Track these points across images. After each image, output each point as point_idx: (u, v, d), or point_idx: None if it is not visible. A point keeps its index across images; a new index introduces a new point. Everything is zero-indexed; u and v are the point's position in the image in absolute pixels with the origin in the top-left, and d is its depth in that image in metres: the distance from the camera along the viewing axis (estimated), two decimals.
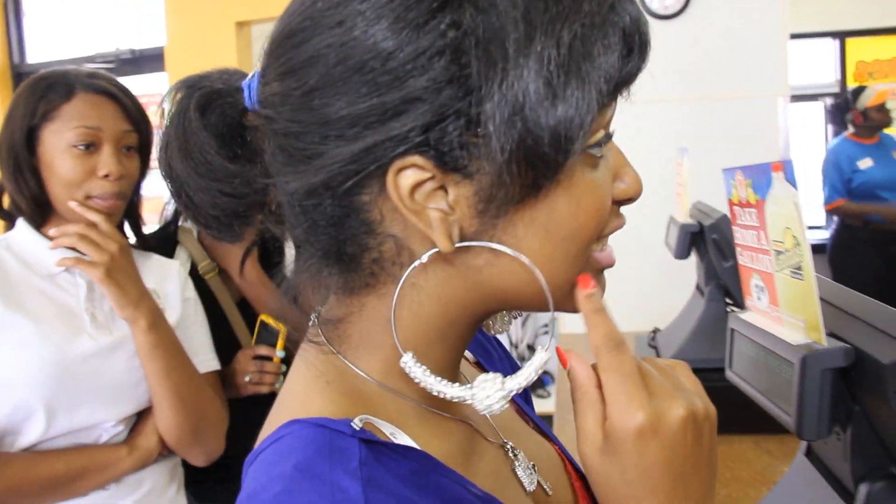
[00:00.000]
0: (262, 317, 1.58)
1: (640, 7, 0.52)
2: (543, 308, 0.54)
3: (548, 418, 3.28)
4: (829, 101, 5.25)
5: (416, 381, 0.54)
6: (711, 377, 0.86)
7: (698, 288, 1.85)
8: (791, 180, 0.67)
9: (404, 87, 0.48)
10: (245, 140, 0.58)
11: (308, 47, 0.50)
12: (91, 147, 1.28)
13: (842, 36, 5.21)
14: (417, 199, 0.50)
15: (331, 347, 0.58)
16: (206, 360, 1.43)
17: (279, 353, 1.55)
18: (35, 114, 1.27)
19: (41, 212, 1.31)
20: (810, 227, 5.37)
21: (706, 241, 1.68)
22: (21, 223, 1.32)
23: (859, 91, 4.25)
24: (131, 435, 1.32)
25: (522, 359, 4.44)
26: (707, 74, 3.38)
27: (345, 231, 0.53)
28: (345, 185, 0.51)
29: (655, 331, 1.98)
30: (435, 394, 0.53)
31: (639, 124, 3.38)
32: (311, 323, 0.61)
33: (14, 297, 1.24)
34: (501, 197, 0.50)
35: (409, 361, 0.54)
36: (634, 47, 0.51)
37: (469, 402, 0.53)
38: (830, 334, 0.70)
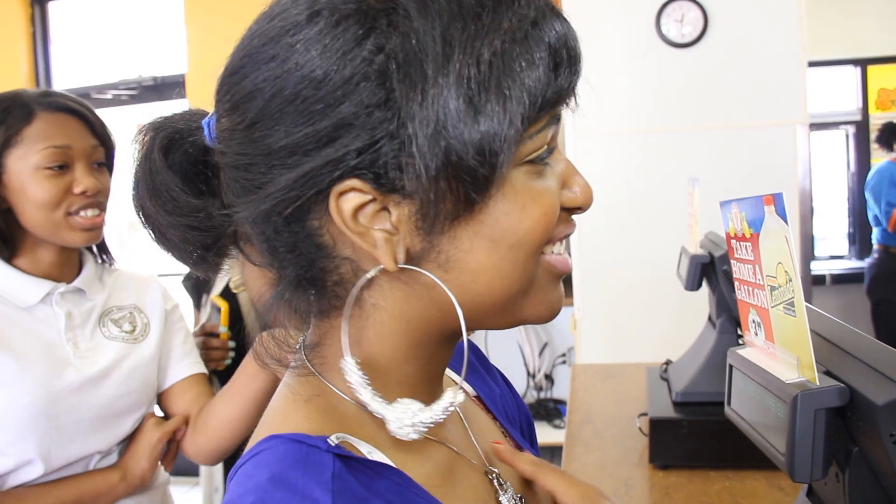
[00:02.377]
0: (212, 297, 1.62)
1: (568, 23, 0.55)
2: (503, 324, 0.58)
3: (559, 449, 3.25)
4: (851, 129, 5.22)
5: (351, 387, 0.56)
6: (721, 411, 0.85)
7: (710, 320, 1.83)
8: (782, 214, 0.65)
9: (335, 114, 0.50)
10: (209, 176, 0.60)
11: (247, 83, 0.53)
12: (63, 167, 1.24)
13: (863, 63, 5.18)
14: (361, 221, 0.53)
15: (312, 369, 0.60)
16: (190, 363, 1.43)
17: (222, 328, 1.57)
18: None
19: (9, 244, 1.26)
20: (832, 258, 5.31)
21: (717, 272, 1.65)
22: None
23: None
24: (122, 458, 1.31)
25: (540, 388, 4.41)
26: (724, 103, 3.37)
27: (303, 256, 0.56)
28: (289, 211, 0.53)
29: (667, 363, 1.95)
30: (364, 403, 0.56)
31: (655, 153, 3.37)
32: (297, 347, 0.63)
33: None
34: (438, 213, 0.52)
35: (348, 365, 0.56)
36: (563, 62, 0.53)
37: (385, 421, 0.56)
38: (827, 372, 0.68)
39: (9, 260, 1.27)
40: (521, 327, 4.33)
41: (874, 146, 4.87)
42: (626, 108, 3.39)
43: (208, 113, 0.60)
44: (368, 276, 0.55)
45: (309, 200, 0.52)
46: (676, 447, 1.65)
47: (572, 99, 0.57)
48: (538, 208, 0.54)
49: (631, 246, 3.39)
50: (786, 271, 0.66)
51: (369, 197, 0.52)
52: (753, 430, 0.77)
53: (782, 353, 0.71)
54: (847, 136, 5.29)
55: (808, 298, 3.45)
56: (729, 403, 0.84)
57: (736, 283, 0.81)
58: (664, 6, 3.26)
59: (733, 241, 0.79)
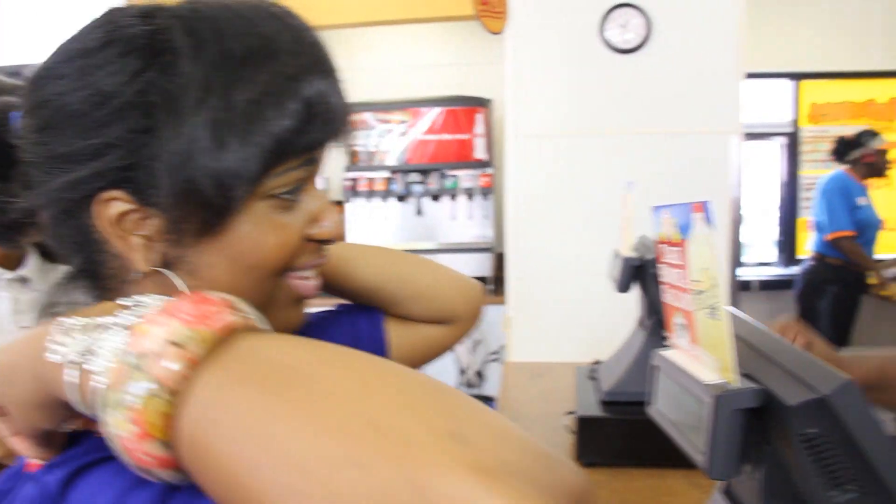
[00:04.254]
0: None
1: (336, 82, 0.64)
2: None
3: None
4: (784, 140, 5.37)
5: None
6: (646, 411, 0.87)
7: (640, 321, 1.87)
8: (709, 221, 0.68)
9: (106, 133, 0.58)
10: (16, 162, 0.66)
11: (42, 92, 0.61)
12: None
13: (797, 77, 5.33)
14: (125, 225, 0.61)
15: None
16: None
17: None
18: None
19: None
20: (761, 264, 5.45)
21: (647, 275, 1.69)
22: None
23: (871, 134, 4.43)
24: None
25: (471, 385, 4.44)
26: (663, 109, 3.43)
27: (83, 248, 0.63)
28: (65, 208, 0.61)
29: (597, 362, 1.99)
30: None
31: (593, 156, 3.42)
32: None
33: None
34: (183, 230, 0.60)
35: None
36: (318, 116, 0.61)
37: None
38: (746, 375, 0.71)
39: None
40: None
41: (803, 157, 5.02)
42: (567, 111, 3.43)
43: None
44: (130, 278, 0.63)
45: (82, 201, 0.60)
46: (602, 445, 1.68)
47: (335, 144, 0.66)
48: (274, 238, 0.63)
49: (565, 247, 3.43)
50: (711, 277, 0.69)
51: (131, 206, 0.60)
52: (675, 429, 0.79)
53: (705, 355, 0.73)
54: (780, 147, 5.44)
55: (734, 303, 3.54)
56: (653, 403, 0.87)
57: (663, 287, 0.84)
58: (609, 12, 3.31)
59: (663, 246, 0.81)
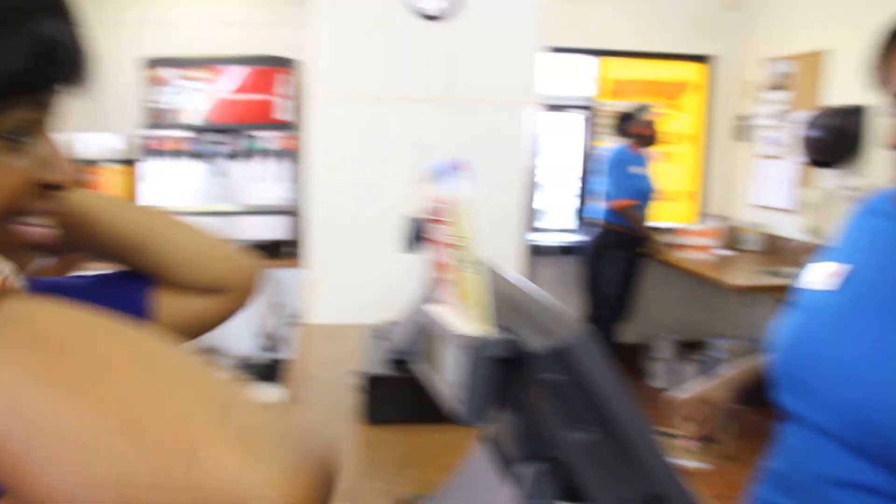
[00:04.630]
0: None
1: (74, 27, 0.61)
2: None
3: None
4: (586, 113, 5.64)
5: None
6: None
7: (426, 281, 1.91)
8: (469, 180, 0.70)
9: None
10: None
11: None
12: None
13: (599, 54, 5.60)
14: None
15: None
16: None
17: None
18: None
19: None
20: (560, 230, 5.71)
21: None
22: None
23: (642, 107, 4.73)
24: None
25: (271, 349, 4.39)
26: (467, 77, 3.49)
27: None
28: None
29: (389, 322, 2.02)
30: None
31: (396, 120, 3.44)
32: None
33: None
34: None
35: None
36: (44, 57, 0.59)
37: None
38: (504, 327, 0.74)
39: None
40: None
41: (601, 130, 5.31)
42: (373, 75, 3.43)
43: None
44: None
45: None
46: (389, 403, 1.72)
47: (69, 90, 0.62)
48: (3, 181, 0.60)
49: (365, 209, 3.44)
50: (470, 233, 0.71)
51: None
52: (437, 381, 0.82)
53: (466, 309, 0.76)
54: (583, 119, 5.71)
55: (529, 267, 3.70)
56: (419, 358, 0.90)
57: (433, 244, 0.86)
58: None
59: (434, 205, 0.84)
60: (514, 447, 0.78)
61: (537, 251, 5.29)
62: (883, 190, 1.16)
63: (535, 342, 0.68)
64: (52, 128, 0.64)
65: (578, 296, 5.11)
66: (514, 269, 3.67)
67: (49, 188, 0.65)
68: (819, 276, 1.14)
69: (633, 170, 4.77)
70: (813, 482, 1.06)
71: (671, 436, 1.20)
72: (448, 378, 0.77)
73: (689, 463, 1.07)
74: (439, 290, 0.87)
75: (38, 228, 0.66)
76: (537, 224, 5.61)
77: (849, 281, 1.09)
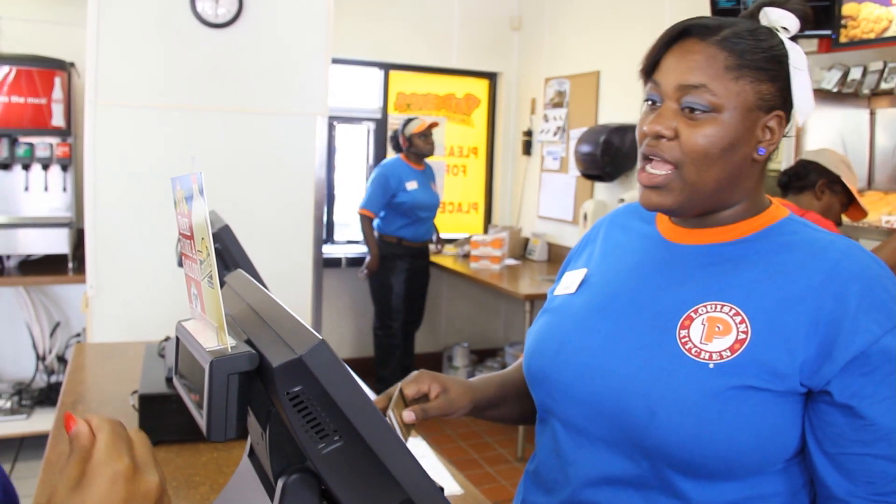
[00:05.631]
0: None
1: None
2: None
3: (27, 438, 3.06)
4: (373, 125, 5.69)
5: None
6: None
7: None
8: (201, 193, 0.70)
9: None
10: None
11: None
12: None
13: (386, 68, 5.67)
14: None
15: None
16: None
17: None
18: None
19: None
20: (350, 242, 5.73)
21: None
22: None
23: (410, 120, 4.81)
24: None
25: (52, 372, 4.12)
26: (253, 87, 3.45)
27: None
28: None
29: (167, 339, 1.96)
30: None
31: (179, 130, 3.35)
32: None
33: None
34: None
35: None
36: None
37: None
38: (248, 341, 0.75)
39: None
40: (29, 306, 4.01)
41: (389, 142, 5.37)
42: (154, 83, 3.31)
43: None
44: None
45: None
46: (167, 422, 1.67)
47: None
48: None
49: (146, 223, 3.32)
50: (207, 246, 0.71)
51: None
52: (189, 397, 0.81)
53: (209, 322, 0.76)
54: (368, 131, 5.76)
55: (319, 279, 3.69)
56: (175, 373, 0.88)
57: (183, 258, 0.85)
58: None
59: (179, 218, 0.82)
60: (273, 460, 0.79)
61: (330, 263, 5.29)
62: (628, 204, 1.27)
63: (274, 354, 0.69)
64: None
65: (370, 307, 5.15)
66: (306, 282, 3.66)
67: None
68: (567, 282, 1.23)
69: (407, 185, 4.87)
70: (566, 478, 1.13)
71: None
72: (195, 394, 0.77)
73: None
74: (192, 306, 0.86)
75: None
76: (332, 236, 5.62)
77: (588, 284, 1.18)
